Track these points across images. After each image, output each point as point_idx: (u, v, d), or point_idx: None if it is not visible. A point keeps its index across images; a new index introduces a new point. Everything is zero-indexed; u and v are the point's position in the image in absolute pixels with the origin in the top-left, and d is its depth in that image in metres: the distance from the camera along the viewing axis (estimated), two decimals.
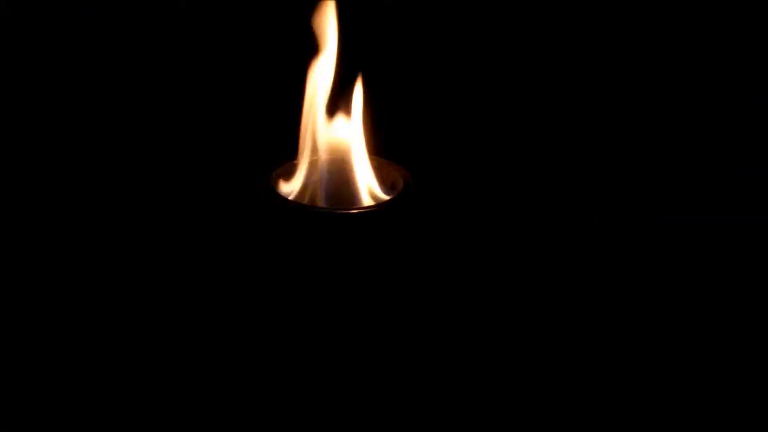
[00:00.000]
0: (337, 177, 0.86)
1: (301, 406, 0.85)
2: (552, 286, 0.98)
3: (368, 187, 0.86)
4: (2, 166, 1.09)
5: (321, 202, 0.86)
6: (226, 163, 1.09)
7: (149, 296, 0.95)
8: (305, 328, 0.86)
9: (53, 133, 1.12)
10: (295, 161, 0.87)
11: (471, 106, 1.15)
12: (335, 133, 0.86)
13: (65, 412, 0.84)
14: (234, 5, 1.13)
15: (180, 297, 0.94)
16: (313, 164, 0.86)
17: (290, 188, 0.86)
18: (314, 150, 0.86)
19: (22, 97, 1.13)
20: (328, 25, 0.86)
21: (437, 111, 1.15)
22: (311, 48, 0.86)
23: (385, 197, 0.86)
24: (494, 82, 1.15)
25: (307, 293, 0.85)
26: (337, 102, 0.86)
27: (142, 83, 1.14)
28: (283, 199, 0.85)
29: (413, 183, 0.86)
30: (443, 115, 1.15)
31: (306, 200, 0.87)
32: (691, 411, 0.86)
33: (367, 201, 0.86)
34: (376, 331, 0.86)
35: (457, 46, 1.15)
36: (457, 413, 0.86)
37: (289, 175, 0.87)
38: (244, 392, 0.86)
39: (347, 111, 0.86)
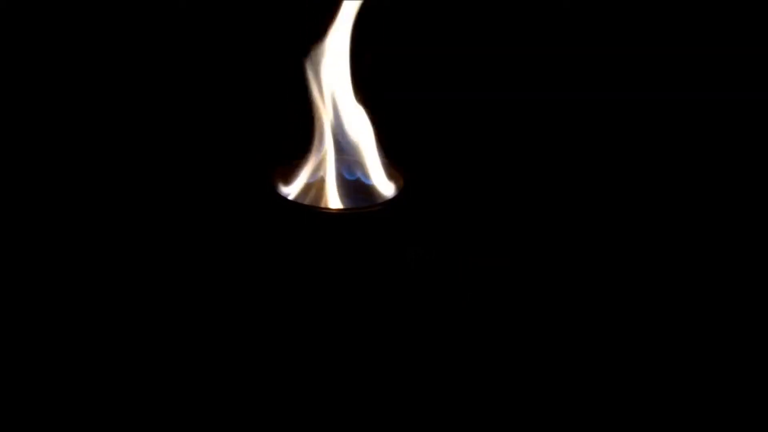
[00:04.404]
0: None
1: (300, 405, 0.85)
2: (551, 287, 0.98)
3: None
4: (2, 166, 1.09)
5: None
6: (227, 163, 1.09)
7: (149, 296, 0.95)
8: (305, 328, 0.86)
9: (53, 133, 1.12)
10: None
11: (471, 106, 1.15)
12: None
13: (65, 412, 0.84)
14: (234, 5, 1.13)
15: (180, 296, 0.94)
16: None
17: (295, 184, 0.87)
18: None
19: (22, 97, 1.13)
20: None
21: (437, 111, 1.15)
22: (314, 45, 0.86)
23: (385, 196, 0.87)
24: (494, 83, 1.15)
25: (306, 292, 0.85)
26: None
27: (143, 83, 1.14)
28: (283, 199, 0.85)
29: (413, 183, 0.86)
30: (443, 116, 1.15)
31: (307, 200, 0.87)
32: (690, 411, 0.86)
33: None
34: (374, 331, 0.86)
35: (457, 46, 1.15)
36: (459, 414, 0.86)
37: (290, 173, 0.88)
38: (244, 391, 0.86)
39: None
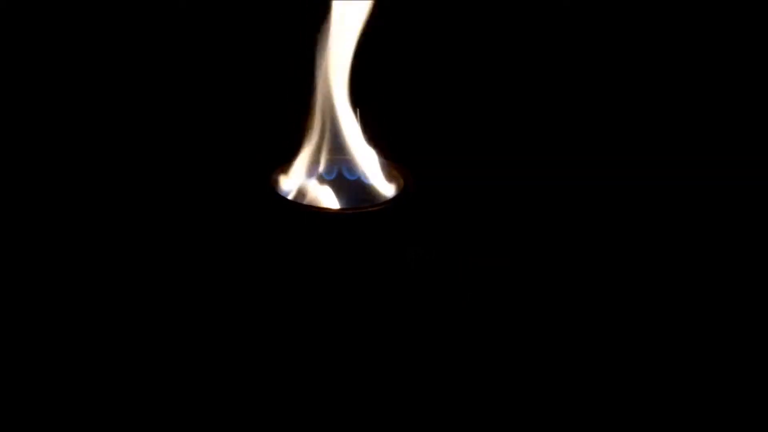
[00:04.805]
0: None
1: (300, 406, 0.85)
2: (551, 287, 0.98)
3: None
4: (2, 166, 1.09)
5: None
6: (227, 162, 1.09)
7: (149, 296, 0.95)
8: (305, 328, 0.86)
9: (53, 133, 1.12)
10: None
11: (471, 106, 1.15)
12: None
13: (65, 412, 0.84)
14: (234, 5, 1.13)
15: (180, 297, 0.94)
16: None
17: (292, 183, 0.87)
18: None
19: (22, 97, 1.13)
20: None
21: (437, 111, 1.15)
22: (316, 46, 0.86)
23: (384, 195, 0.87)
24: (494, 82, 1.15)
25: (306, 292, 0.85)
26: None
27: (143, 83, 1.14)
28: (283, 199, 0.85)
29: (413, 183, 0.86)
30: (443, 115, 1.15)
31: (306, 200, 0.87)
32: (689, 411, 0.86)
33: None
34: (374, 331, 0.86)
35: (457, 46, 1.15)
36: (459, 413, 0.86)
37: (290, 173, 0.88)
38: (244, 392, 0.86)
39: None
